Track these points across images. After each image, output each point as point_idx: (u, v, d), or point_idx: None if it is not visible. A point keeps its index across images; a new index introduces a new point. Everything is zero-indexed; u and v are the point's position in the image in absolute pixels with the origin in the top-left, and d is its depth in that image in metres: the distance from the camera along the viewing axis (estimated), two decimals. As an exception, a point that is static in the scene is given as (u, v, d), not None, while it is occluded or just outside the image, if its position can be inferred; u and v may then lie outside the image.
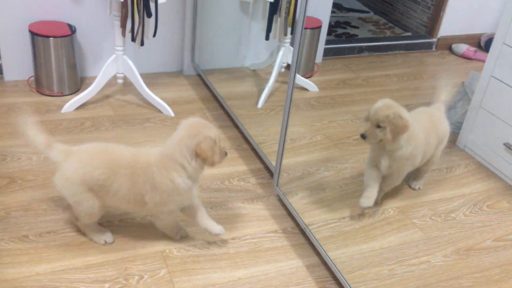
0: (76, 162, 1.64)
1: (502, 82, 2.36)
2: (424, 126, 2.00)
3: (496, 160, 2.40)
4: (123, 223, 1.88)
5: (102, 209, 1.71)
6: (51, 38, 2.49)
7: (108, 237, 1.79)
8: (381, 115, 1.84)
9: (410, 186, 2.23)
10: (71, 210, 1.77)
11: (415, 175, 2.21)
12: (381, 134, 1.86)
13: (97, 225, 1.79)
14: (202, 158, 1.63)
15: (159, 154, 1.65)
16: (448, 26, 3.63)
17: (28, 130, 1.65)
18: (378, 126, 1.85)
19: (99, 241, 1.78)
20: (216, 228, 1.79)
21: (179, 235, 1.85)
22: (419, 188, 2.22)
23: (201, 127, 1.65)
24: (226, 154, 1.73)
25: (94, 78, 2.57)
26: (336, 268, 1.74)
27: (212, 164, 1.65)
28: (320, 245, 1.83)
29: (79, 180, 1.63)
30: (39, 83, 2.63)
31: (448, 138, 2.16)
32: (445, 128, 2.13)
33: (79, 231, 1.81)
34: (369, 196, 1.94)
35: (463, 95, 2.70)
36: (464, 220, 2.10)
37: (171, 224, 1.80)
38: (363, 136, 1.88)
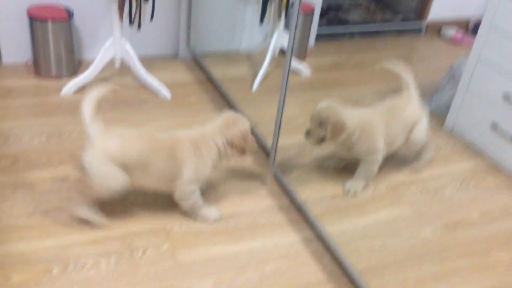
0: (118, 140, 1.73)
1: (489, 65, 2.45)
2: (384, 119, 2.11)
3: (482, 139, 2.50)
4: (126, 202, 1.94)
5: (124, 186, 1.76)
6: (49, 22, 2.53)
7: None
8: (322, 116, 1.99)
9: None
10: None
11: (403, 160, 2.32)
12: (323, 132, 2.00)
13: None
14: (235, 147, 1.84)
15: (201, 135, 1.84)
16: (437, 10, 3.70)
17: (85, 102, 1.71)
18: (320, 126, 1.99)
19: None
20: None
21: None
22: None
23: (238, 121, 1.87)
24: (256, 146, 1.95)
25: (91, 61, 2.61)
26: (331, 241, 1.83)
27: (243, 153, 1.88)
28: (316, 220, 1.91)
29: (119, 156, 1.71)
30: (37, 66, 2.66)
31: (428, 118, 2.21)
32: (413, 113, 2.18)
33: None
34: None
35: (451, 78, 2.79)
36: (451, 196, 2.20)
37: (197, 201, 1.89)
38: (307, 134, 2.04)
